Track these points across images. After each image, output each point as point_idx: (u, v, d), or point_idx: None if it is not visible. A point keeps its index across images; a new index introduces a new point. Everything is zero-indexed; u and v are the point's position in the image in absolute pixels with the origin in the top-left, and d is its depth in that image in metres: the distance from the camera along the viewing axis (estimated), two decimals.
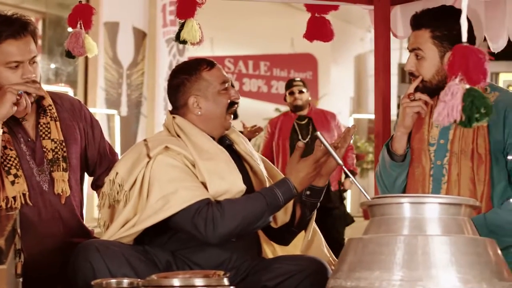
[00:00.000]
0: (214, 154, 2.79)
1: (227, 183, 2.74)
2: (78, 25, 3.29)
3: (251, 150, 2.97)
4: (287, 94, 6.88)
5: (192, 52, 10.48)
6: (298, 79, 7.11)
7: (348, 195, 11.65)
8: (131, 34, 9.90)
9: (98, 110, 9.14)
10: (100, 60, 8.99)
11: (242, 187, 2.76)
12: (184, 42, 3.22)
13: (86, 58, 3.47)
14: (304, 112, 6.83)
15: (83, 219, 3.11)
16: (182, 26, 3.20)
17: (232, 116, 2.93)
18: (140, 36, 10.11)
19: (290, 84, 6.96)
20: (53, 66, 9.94)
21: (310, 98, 6.99)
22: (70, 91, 8.76)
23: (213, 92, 2.87)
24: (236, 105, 2.92)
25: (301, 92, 6.79)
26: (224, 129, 2.90)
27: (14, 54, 2.88)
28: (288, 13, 12.60)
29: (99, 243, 2.66)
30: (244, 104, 13.40)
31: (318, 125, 6.72)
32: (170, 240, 2.79)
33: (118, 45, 9.59)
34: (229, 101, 2.88)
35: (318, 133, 2.64)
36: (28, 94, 2.88)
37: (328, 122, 6.84)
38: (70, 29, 3.35)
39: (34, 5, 9.91)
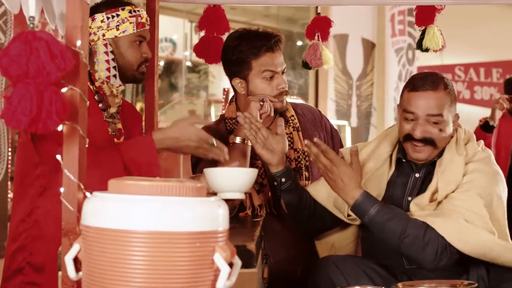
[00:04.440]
0: None
1: None
2: (316, 37, 3.35)
3: None
4: (507, 99, 6.18)
5: (422, 61, 10.34)
6: None
7: None
8: (360, 45, 9.94)
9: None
10: (330, 72, 9.10)
11: None
12: (426, 50, 3.18)
13: (317, 70, 3.55)
14: None
15: None
16: (423, 34, 3.16)
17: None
18: (369, 47, 10.12)
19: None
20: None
21: None
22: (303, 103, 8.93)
23: None
24: None
25: None
26: None
27: (271, 65, 3.01)
28: None
29: (337, 258, 2.68)
30: (476, 113, 13.05)
31: None
32: None
33: (347, 56, 9.66)
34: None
35: None
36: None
37: None
38: (299, 43, 3.45)
39: (265, 21, 10.23)
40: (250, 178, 2.54)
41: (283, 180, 2.84)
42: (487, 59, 13.72)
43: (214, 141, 2.57)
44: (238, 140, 2.89)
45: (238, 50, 3.03)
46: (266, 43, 3.01)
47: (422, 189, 2.77)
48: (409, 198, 2.78)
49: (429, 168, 2.80)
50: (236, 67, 3.05)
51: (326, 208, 2.89)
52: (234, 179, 2.51)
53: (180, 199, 1.50)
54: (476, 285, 2.21)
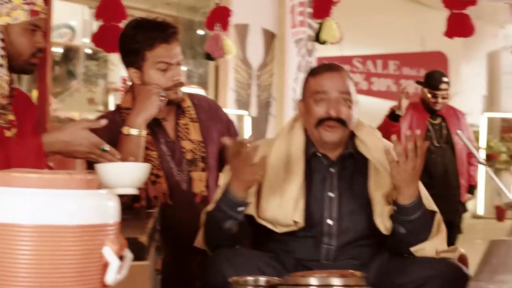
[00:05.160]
0: None
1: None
2: (216, 28, 3.35)
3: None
4: (428, 92, 6.30)
5: (321, 52, 10.47)
6: (446, 79, 6.35)
7: (481, 195, 11.36)
8: (260, 35, 9.98)
9: (229, 111, 9.26)
10: (231, 62, 9.10)
11: None
12: (324, 42, 3.23)
13: (217, 60, 3.54)
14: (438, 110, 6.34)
15: None
16: (320, 27, 3.20)
17: None
18: (270, 37, 10.17)
19: (436, 86, 6.27)
20: (184, 68, 10.16)
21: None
22: (201, 93, 8.93)
23: None
24: None
25: (445, 98, 6.28)
26: None
27: (166, 56, 2.98)
28: (418, 11, 12.41)
29: (229, 252, 2.66)
30: (373, 104, 13.32)
31: (451, 124, 6.31)
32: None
33: (247, 46, 9.69)
34: None
35: (459, 132, 2.56)
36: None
37: (459, 121, 6.41)
38: (200, 32, 3.45)
39: (166, 9, 10.15)
40: (143, 173, 2.52)
41: (243, 208, 2.70)
42: (384, 51, 14.01)
43: (106, 147, 2.54)
44: (132, 131, 2.86)
45: (134, 40, 2.99)
46: (161, 34, 2.98)
47: (341, 184, 2.82)
48: (330, 194, 2.82)
49: (344, 163, 2.85)
50: (131, 57, 3.02)
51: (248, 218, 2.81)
52: (126, 174, 2.49)
53: (68, 192, 1.47)
54: (365, 274, 2.25)
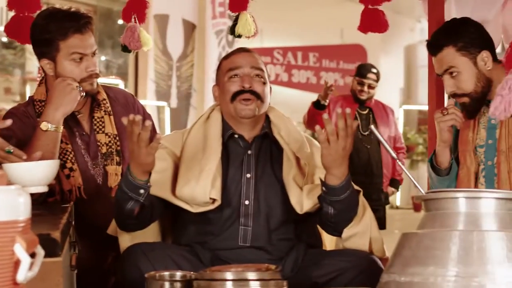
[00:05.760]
0: None
1: None
2: (132, 19, 3.32)
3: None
4: (356, 81, 6.41)
5: (241, 43, 10.48)
6: (375, 71, 6.47)
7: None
8: (180, 26, 9.94)
9: (149, 102, 9.21)
10: (150, 53, 9.05)
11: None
12: (239, 36, 3.23)
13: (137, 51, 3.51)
14: (366, 102, 6.43)
15: None
16: (236, 20, 3.20)
17: None
18: (190, 28, 10.15)
19: (363, 74, 6.41)
20: (103, 58, 10.04)
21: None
22: (121, 83, 8.84)
23: None
24: None
25: (371, 87, 6.37)
26: None
27: (80, 47, 2.93)
28: (338, 4, 12.54)
29: (145, 246, 2.65)
30: (293, 95, 13.42)
31: (378, 117, 6.41)
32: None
33: (168, 37, 9.64)
34: None
35: (372, 127, 2.60)
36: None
37: (388, 117, 6.50)
38: (120, 22, 3.40)
39: None
40: (52, 170, 2.49)
41: (144, 191, 2.62)
42: (304, 43, 14.13)
43: (11, 148, 2.50)
44: (51, 127, 2.81)
45: (46, 30, 2.94)
46: (75, 24, 2.93)
47: (258, 165, 2.85)
48: (248, 176, 2.84)
49: (260, 144, 2.89)
50: (44, 48, 2.96)
51: (163, 202, 2.79)
52: (34, 173, 2.46)
53: None
54: (280, 268, 2.27)
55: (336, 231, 2.81)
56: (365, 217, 2.82)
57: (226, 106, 2.88)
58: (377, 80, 6.44)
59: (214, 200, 2.76)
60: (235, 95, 2.83)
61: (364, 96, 6.40)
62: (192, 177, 2.76)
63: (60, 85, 2.87)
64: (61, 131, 2.84)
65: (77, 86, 2.88)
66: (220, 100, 2.91)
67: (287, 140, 2.88)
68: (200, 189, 2.73)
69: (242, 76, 2.84)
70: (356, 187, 2.78)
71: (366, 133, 6.34)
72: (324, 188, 2.69)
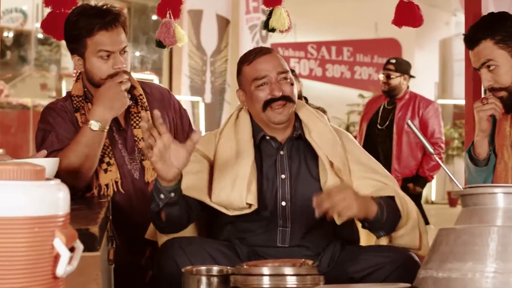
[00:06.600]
0: None
1: None
2: (167, 15, 3.32)
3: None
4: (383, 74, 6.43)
5: (275, 38, 10.48)
6: (393, 61, 6.44)
7: (433, 181, 11.47)
8: (214, 21, 9.96)
9: (183, 97, 9.24)
10: (185, 48, 9.07)
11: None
12: (273, 30, 3.22)
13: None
14: (398, 97, 6.36)
15: None
16: (270, 14, 3.19)
17: None
18: (224, 23, 10.16)
19: (383, 66, 6.47)
20: (138, 54, 10.09)
21: (404, 83, 6.37)
22: (155, 79, 8.89)
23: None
24: None
25: (389, 77, 6.33)
26: None
27: (106, 44, 2.94)
28: None
29: (182, 240, 2.65)
30: (327, 90, 13.38)
31: (402, 110, 6.31)
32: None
33: (202, 32, 9.66)
34: None
35: (409, 121, 2.58)
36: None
37: (426, 109, 6.33)
38: (154, 17, 3.40)
39: None
40: (51, 169, 2.47)
41: (172, 195, 2.58)
42: (338, 38, 14.06)
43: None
44: (99, 127, 2.84)
45: (76, 26, 2.95)
46: (100, 21, 2.92)
47: (292, 165, 2.83)
48: (283, 176, 2.82)
49: (293, 144, 2.87)
50: (73, 44, 2.98)
51: (201, 204, 2.79)
52: None
53: (17, 183, 1.45)
54: (317, 263, 2.26)
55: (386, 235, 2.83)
56: (411, 214, 2.81)
57: (257, 114, 2.86)
58: (396, 70, 6.34)
59: (250, 205, 2.76)
60: (266, 104, 2.80)
61: (385, 88, 6.38)
62: (228, 184, 2.76)
63: (115, 89, 2.89)
64: (106, 132, 2.86)
65: (126, 92, 2.90)
66: (249, 105, 2.88)
67: (319, 142, 2.85)
68: (236, 195, 2.73)
69: (270, 83, 2.80)
70: (386, 192, 2.78)
71: (381, 127, 6.32)
72: (366, 224, 2.73)
